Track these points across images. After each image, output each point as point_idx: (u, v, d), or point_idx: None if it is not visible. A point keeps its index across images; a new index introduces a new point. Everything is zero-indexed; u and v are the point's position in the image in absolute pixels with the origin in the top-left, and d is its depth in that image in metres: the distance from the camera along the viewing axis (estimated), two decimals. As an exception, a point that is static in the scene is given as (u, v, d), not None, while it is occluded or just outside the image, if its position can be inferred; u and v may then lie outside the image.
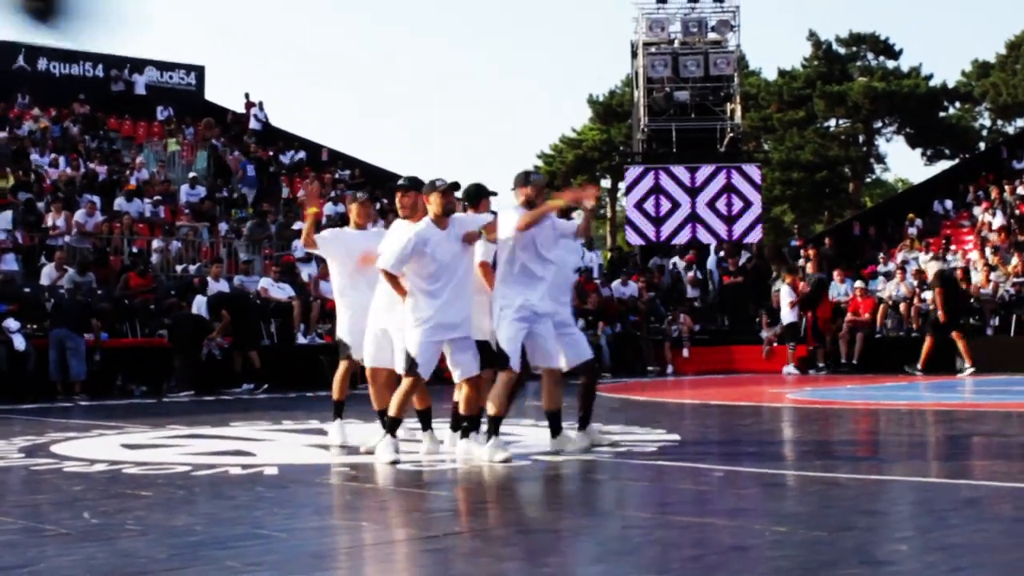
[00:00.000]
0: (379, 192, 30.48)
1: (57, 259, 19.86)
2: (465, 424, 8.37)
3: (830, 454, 8.84)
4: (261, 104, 35.12)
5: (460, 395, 8.31)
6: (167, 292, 20.28)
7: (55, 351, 17.26)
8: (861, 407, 14.47)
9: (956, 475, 7.38)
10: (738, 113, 32.45)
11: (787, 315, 23.19)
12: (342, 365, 9.33)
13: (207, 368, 18.83)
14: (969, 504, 6.10)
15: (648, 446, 8.91)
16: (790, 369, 22.71)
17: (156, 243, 22.93)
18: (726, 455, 8.86)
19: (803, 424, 11.73)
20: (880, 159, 58.41)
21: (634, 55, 32.92)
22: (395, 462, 7.96)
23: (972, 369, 20.48)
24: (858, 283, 24.82)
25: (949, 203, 31.98)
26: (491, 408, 8.11)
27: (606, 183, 58.07)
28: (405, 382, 8.13)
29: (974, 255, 26.66)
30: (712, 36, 32.11)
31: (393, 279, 8.12)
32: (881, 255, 28.56)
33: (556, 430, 8.61)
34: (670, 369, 24.36)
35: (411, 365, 8.06)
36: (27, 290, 18.66)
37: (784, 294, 23.33)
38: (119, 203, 24.21)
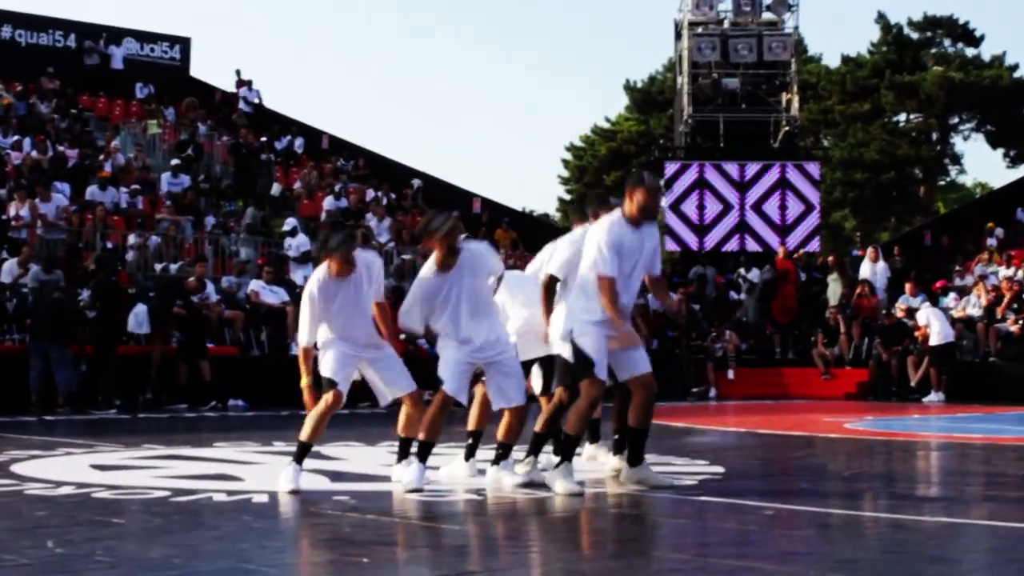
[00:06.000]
0: (386, 186, 30.56)
1: (24, 255, 19.85)
2: (500, 452, 8.61)
3: (893, 492, 8.82)
4: (251, 83, 35.18)
5: (502, 423, 8.57)
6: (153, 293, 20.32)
7: (38, 361, 17.38)
8: (930, 439, 14.43)
9: (1038, 520, 7.36)
10: (795, 104, 32.39)
11: (937, 337, 23.13)
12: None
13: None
14: (1053, 553, 6.09)
15: (688, 479, 8.91)
16: (937, 397, 22.77)
17: (132, 238, 22.98)
18: (775, 491, 8.85)
19: (863, 458, 11.70)
20: (956, 160, 58.18)
21: (678, 36, 32.89)
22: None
23: None
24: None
25: (1034, 211, 31.84)
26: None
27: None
28: (436, 399, 8.30)
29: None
30: (767, 16, 32.09)
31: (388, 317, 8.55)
32: (956, 268, 28.45)
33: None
34: (713, 392, 24.33)
35: (440, 382, 8.30)
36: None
37: (928, 317, 23.27)
38: (92, 192, 24.30)
